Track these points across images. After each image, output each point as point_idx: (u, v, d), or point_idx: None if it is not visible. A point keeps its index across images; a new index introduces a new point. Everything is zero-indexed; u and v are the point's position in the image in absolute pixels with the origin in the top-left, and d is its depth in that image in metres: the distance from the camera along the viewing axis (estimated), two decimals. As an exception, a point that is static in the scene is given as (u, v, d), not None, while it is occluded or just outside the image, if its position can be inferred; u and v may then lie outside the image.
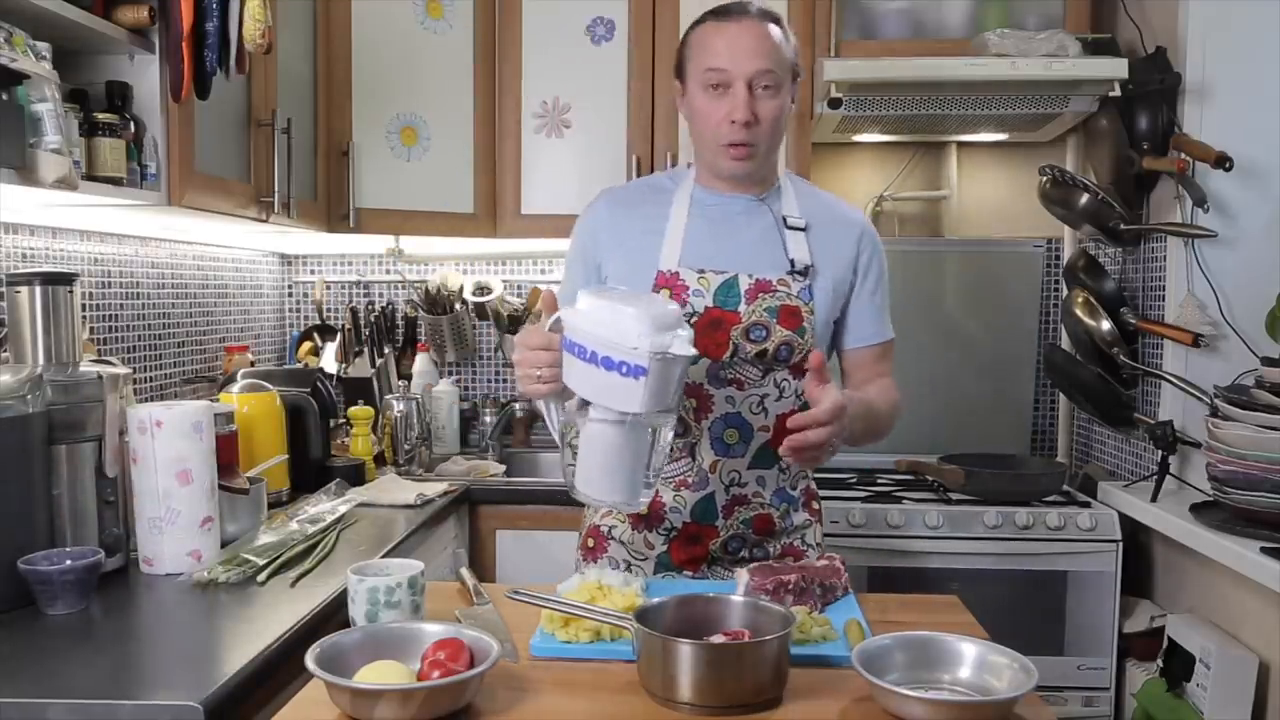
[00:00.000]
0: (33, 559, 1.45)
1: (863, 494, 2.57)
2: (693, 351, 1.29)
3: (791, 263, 1.60)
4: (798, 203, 1.66)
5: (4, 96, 1.42)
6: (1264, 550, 1.82)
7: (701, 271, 1.57)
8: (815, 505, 1.73)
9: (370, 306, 3.10)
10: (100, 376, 1.58)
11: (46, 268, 1.99)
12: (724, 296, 1.57)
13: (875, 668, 1.11)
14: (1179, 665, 2.09)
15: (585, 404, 1.31)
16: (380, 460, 2.65)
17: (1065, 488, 2.57)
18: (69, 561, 1.45)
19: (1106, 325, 2.49)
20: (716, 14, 1.59)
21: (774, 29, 1.57)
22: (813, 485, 1.73)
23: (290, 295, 3.19)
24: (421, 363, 3.02)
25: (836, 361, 1.71)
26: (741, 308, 1.56)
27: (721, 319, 1.56)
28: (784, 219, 1.63)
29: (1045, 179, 2.63)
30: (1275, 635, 1.94)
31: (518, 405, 3.01)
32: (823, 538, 1.74)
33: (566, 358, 1.31)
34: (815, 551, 1.71)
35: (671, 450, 1.55)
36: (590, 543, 1.69)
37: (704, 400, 1.58)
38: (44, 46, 1.51)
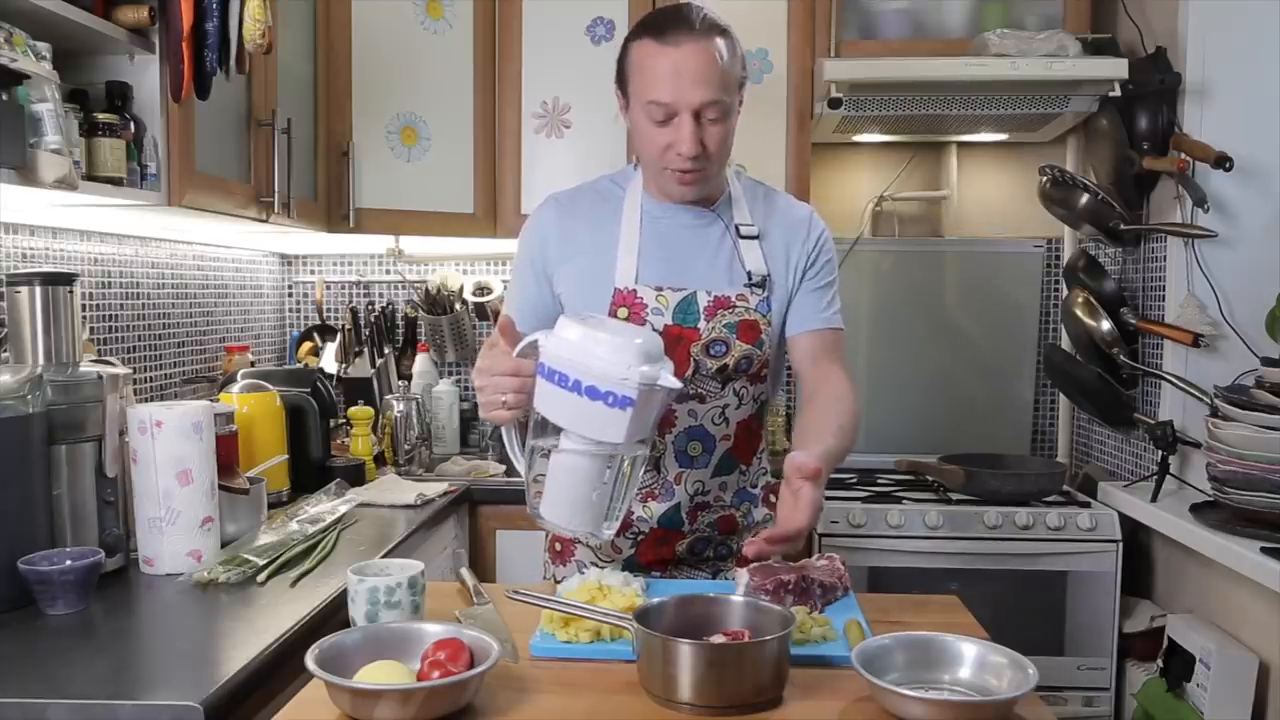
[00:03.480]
0: (33, 559, 1.44)
1: (863, 494, 2.57)
2: (678, 384, 1.28)
3: (749, 275, 1.58)
4: (749, 208, 1.62)
5: (4, 96, 1.42)
6: (1264, 550, 1.82)
7: (659, 289, 1.55)
8: (774, 499, 1.71)
9: (370, 306, 3.10)
10: (100, 376, 1.58)
11: (46, 268, 1.99)
12: (683, 314, 1.54)
13: (875, 668, 1.11)
14: (1179, 665, 2.09)
15: (553, 431, 1.30)
16: (380, 460, 2.65)
17: (1065, 488, 2.57)
18: (69, 561, 1.45)
19: (1106, 325, 2.49)
20: (658, 32, 1.47)
21: (720, 44, 1.46)
22: (772, 481, 1.71)
23: (290, 295, 3.19)
24: (421, 363, 3.02)
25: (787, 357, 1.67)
26: (701, 324, 1.54)
27: (681, 336, 1.53)
28: (737, 228, 1.60)
29: (1045, 179, 2.63)
30: (1275, 635, 1.94)
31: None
32: None
33: (542, 384, 1.28)
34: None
35: None
36: (558, 546, 1.70)
37: (666, 415, 1.56)
38: (44, 46, 1.51)
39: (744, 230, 1.60)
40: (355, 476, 2.38)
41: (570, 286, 1.60)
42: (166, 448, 1.60)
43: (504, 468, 2.72)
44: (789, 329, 1.64)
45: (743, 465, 1.64)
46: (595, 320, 1.36)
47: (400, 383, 2.92)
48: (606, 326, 1.33)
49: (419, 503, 2.21)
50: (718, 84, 1.46)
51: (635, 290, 1.55)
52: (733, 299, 1.56)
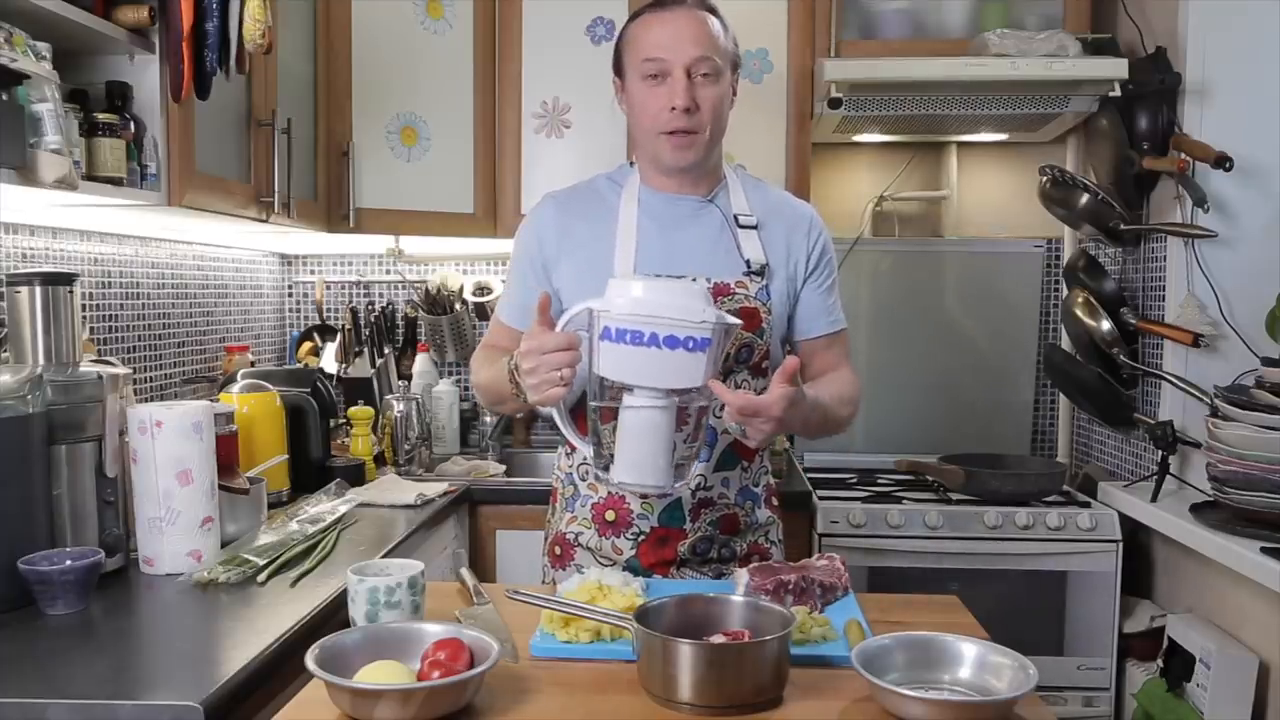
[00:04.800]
0: (33, 559, 1.44)
1: (863, 494, 2.57)
2: (739, 322, 1.36)
3: (747, 263, 1.59)
4: (746, 199, 1.65)
5: (4, 96, 1.42)
6: (1264, 550, 1.82)
7: (658, 276, 1.56)
8: (775, 502, 1.73)
9: (370, 306, 3.10)
10: (100, 376, 1.58)
11: (46, 268, 1.99)
12: None
13: (875, 668, 1.11)
14: (1179, 665, 2.09)
15: (611, 396, 1.33)
16: (380, 460, 2.65)
17: (1065, 488, 2.57)
18: (69, 561, 1.45)
19: (1106, 325, 2.49)
20: (653, 6, 1.59)
21: (711, 19, 1.57)
22: (773, 483, 1.73)
23: (290, 295, 3.19)
24: (421, 363, 3.02)
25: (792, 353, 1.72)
26: None
27: None
28: (735, 218, 1.62)
29: (1045, 179, 2.63)
30: (1275, 635, 1.94)
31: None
32: (784, 535, 1.75)
33: (610, 348, 1.29)
34: (778, 549, 1.71)
35: None
36: (557, 550, 1.69)
37: None
38: (44, 46, 1.51)
39: (742, 220, 1.62)
40: (355, 476, 2.38)
41: (569, 280, 1.61)
42: (166, 448, 1.60)
43: (504, 467, 2.73)
44: (798, 333, 1.68)
45: (744, 461, 1.64)
46: (639, 277, 1.43)
47: (400, 383, 2.92)
48: (658, 280, 1.41)
49: (419, 503, 2.21)
50: (709, 45, 1.54)
51: None
52: (732, 285, 1.58)
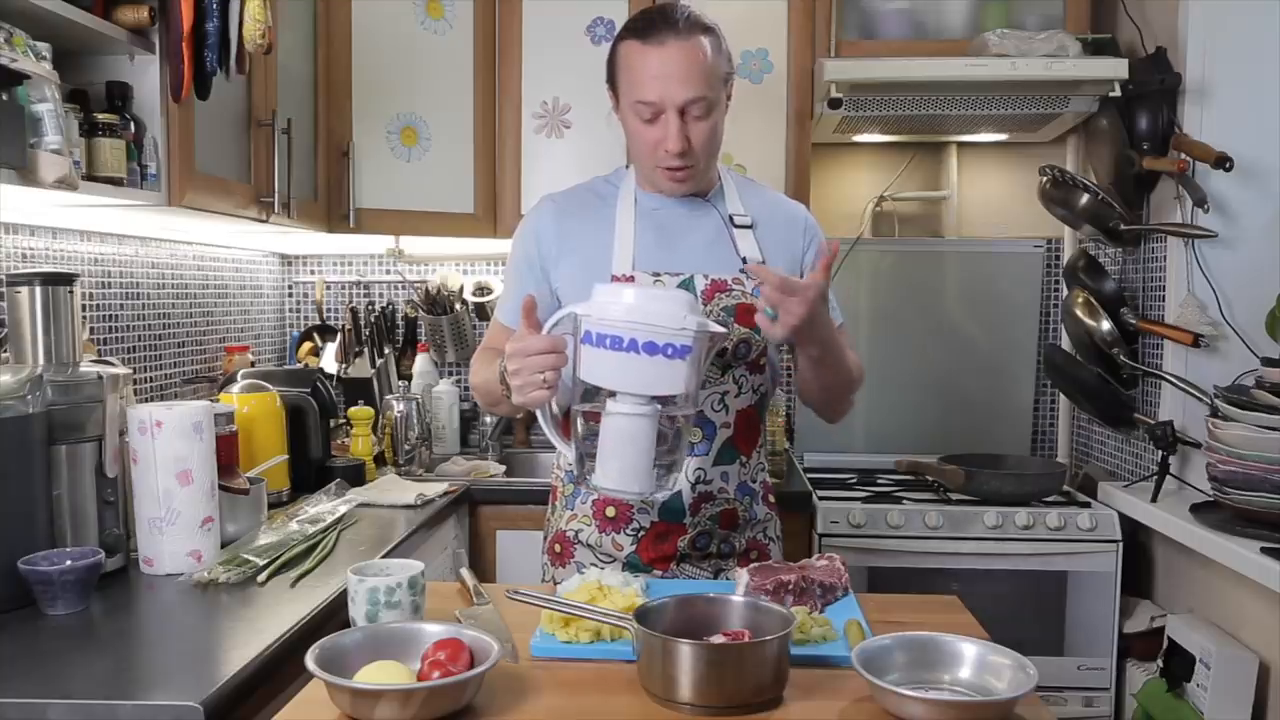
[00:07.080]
0: (33, 559, 1.45)
1: (863, 494, 2.57)
2: (724, 330, 1.35)
3: (744, 261, 1.61)
4: (741, 200, 1.66)
5: (4, 96, 1.42)
6: (1264, 550, 1.82)
7: (657, 274, 1.57)
8: (771, 499, 1.74)
9: (370, 307, 3.10)
10: (100, 376, 1.58)
11: (46, 268, 1.98)
12: None
13: (875, 668, 1.11)
14: (1179, 665, 2.09)
15: (597, 401, 1.32)
16: (380, 460, 2.65)
17: (1065, 488, 2.57)
18: (69, 562, 1.45)
19: (1106, 325, 2.49)
20: (642, 33, 1.52)
21: (703, 42, 1.51)
22: (769, 481, 1.74)
23: (290, 295, 3.19)
24: (421, 363, 3.02)
25: (789, 355, 1.71)
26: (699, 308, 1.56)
27: None
28: (731, 218, 1.64)
29: (1045, 179, 2.63)
30: (1275, 635, 1.94)
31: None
32: (783, 535, 1.76)
33: (591, 353, 1.29)
34: (776, 545, 1.73)
35: None
36: (557, 548, 1.69)
37: None
38: (44, 46, 1.51)
39: (738, 220, 1.64)
40: (355, 476, 2.38)
41: (568, 281, 1.62)
42: (166, 448, 1.60)
43: (504, 467, 2.73)
44: None
45: (743, 456, 1.65)
46: (629, 285, 1.43)
47: (400, 383, 2.92)
48: (643, 288, 1.41)
49: (419, 503, 2.21)
50: (701, 81, 1.51)
51: (633, 276, 1.57)
52: (729, 282, 1.59)
